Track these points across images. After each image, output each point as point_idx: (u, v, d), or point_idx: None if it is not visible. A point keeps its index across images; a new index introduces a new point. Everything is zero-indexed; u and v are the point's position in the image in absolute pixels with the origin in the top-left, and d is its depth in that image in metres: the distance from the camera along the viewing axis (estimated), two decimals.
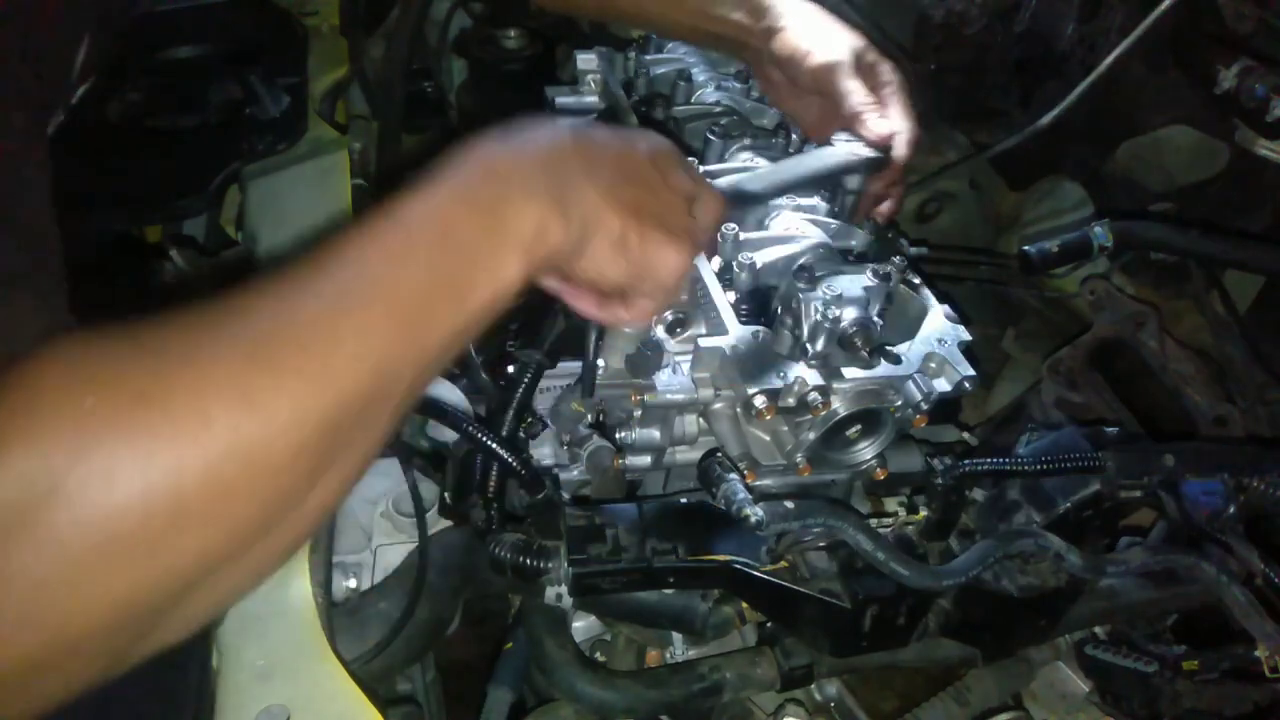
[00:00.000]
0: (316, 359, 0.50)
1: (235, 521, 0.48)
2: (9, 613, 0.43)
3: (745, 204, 0.92)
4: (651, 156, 0.72)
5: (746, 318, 0.90)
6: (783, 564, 0.85)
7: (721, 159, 1.08)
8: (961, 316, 0.92)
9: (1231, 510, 0.95)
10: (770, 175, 0.93)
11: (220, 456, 0.46)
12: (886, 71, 1.02)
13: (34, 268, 0.50)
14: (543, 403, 0.91)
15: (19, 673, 0.45)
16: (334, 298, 0.52)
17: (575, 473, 0.91)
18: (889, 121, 0.98)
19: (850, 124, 0.98)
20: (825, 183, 0.99)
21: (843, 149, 0.96)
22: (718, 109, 1.15)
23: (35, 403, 0.43)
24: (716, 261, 0.94)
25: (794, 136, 1.11)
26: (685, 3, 1.05)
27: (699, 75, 1.20)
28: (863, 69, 1.01)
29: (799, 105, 1.07)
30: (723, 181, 0.90)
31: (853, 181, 1.00)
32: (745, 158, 1.07)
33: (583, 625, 0.99)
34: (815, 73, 0.99)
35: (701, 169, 1.03)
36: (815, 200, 1.01)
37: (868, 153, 0.96)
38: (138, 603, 0.46)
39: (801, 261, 0.90)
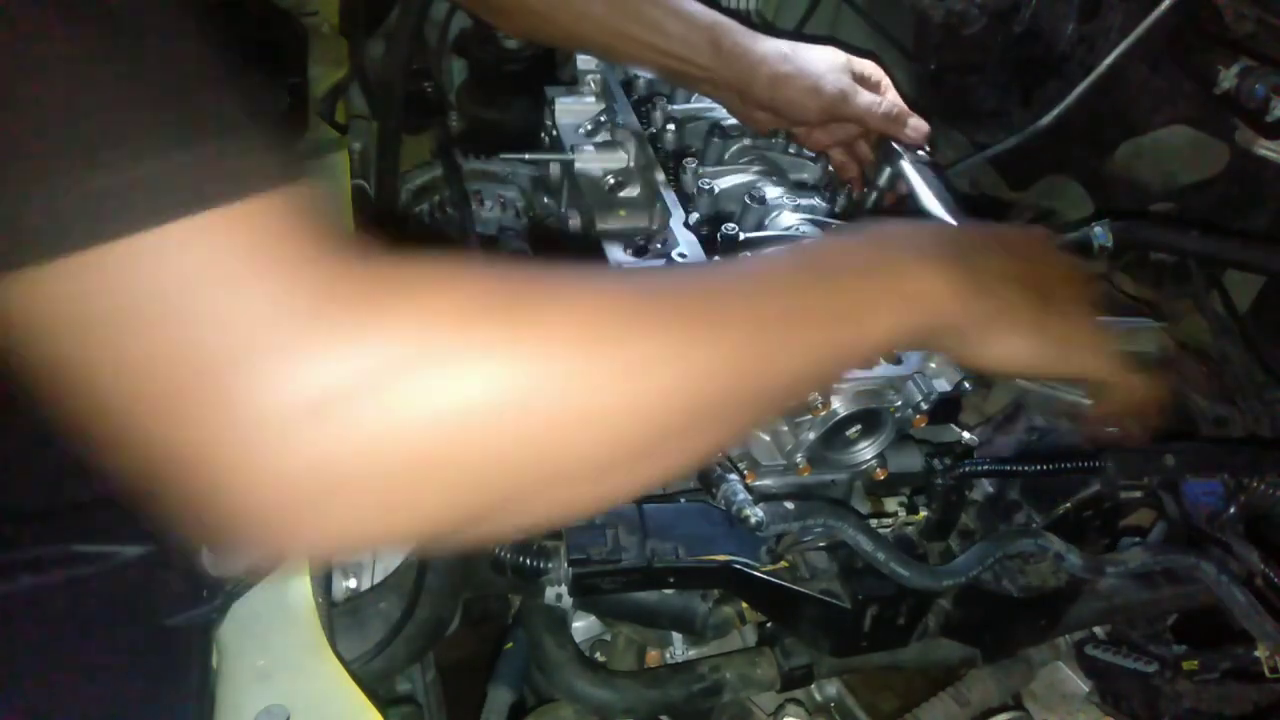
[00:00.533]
0: (697, 333, 0.49)
1: (561, 461, 0.47)
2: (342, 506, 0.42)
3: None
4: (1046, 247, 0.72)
5: None
6: (783, 564, 0.86)
7: (721, 160, 1.08)
8: None
9: (1231, 510, 0.95)
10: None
11: (570, 392, 0.45)
12: (873, 69, 1.04)
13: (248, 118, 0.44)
14: None
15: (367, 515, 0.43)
16: (717, 292, 0.53)
17: None
18: (914, 118, 1.02)
19: (888, 132, 1.02)
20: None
21: (920, 161, 1.00)
22: (718, 109, 1.15)
23: (404, 291, 0.42)
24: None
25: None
26: (659, 47, 1.01)
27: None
28: (860, 80, 1.02)
29: (802, 133, 1.09)
30: None
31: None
32: (746, 159, 1.07)
33: (583, 625, 0.99)
34: (827, 105, 1.00)
35: (704, 168, 1.03)
36: (815, 200, 1.01)
37: (928, 158, 1.02)
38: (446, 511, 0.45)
39: None
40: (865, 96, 1.00)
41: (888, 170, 1.05)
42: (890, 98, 1.02)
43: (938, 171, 1.00)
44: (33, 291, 0.37)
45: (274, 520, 0.41)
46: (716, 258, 0.58)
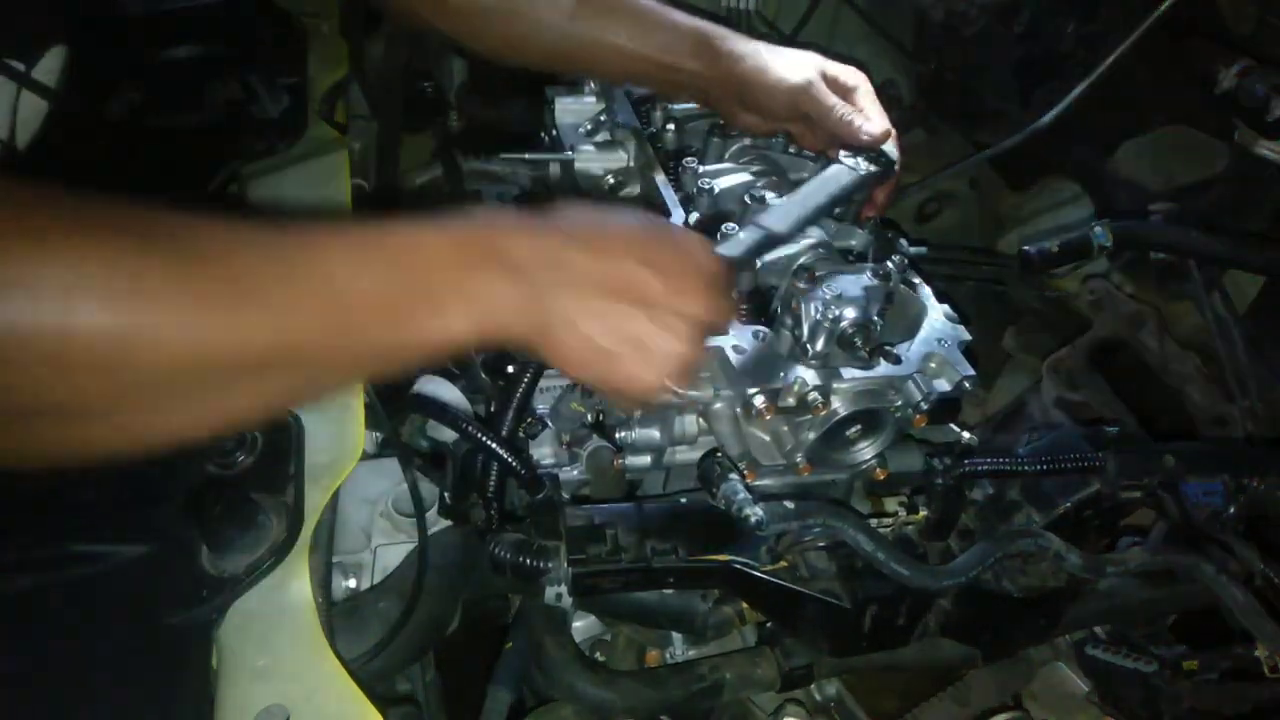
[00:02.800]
0: (234, 294, 0.53)
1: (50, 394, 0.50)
2: None
3: (770, 249, 0.88)
4: (674, 266, 0.69)
5: (746, 318, 0.90)
6: (783, 564, 0.85)
7: (721, 158, 1.08)
8: (961, 316, 0.92)
9: (1231, 510, 0.95)
10: (792, 211, 0.90)
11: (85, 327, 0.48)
12: (852, 76, 1.03)
13: None
14: (542, 403, 0.91)
15: None
16: (289, 261, 0.56)
17: (575, 473, 0.91)
18: (875, 124, 0.99)
19: (843, 138, 0.99)
20: (842, 203, 0.98)
21: (847, 165, 0.96)
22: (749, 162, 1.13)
23: None
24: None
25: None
26: (639, 54, 1.02)
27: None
28: (829, 82, 1.01)
29: (778, 131, 1.08)
30: (747, 232, 0.84)
31: (860, 193, 1.00)
32: (746, 159, 1.07)
33: (583, 625, 0.99)
34: (791, 100, 1.00)
35: (703, 168, 1.03)
36: None
37: (872, 166, 0.96)
38: None
39: (801, 261, 0.90)
40: (829, 98, 0.99)
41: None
42: (861, 103, 1.01)
43: (857, 185, 0.95)
44: None
45: None
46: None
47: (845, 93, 1.01)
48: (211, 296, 0.52)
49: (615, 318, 0.67)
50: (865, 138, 0.98)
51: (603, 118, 1.15)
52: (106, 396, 0.52)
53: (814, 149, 1.08)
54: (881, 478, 0.90)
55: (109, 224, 0.51)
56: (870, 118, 0.99)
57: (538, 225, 0.67)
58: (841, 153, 0.98)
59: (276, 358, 0.55)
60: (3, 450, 0.53)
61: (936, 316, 0.91)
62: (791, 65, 1.01)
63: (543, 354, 0.68)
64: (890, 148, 0.99)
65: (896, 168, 1.00)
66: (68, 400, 0.51)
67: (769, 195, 0.99)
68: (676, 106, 1.16)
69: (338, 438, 0.82)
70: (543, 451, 0.92)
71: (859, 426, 0.87)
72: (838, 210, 1.01)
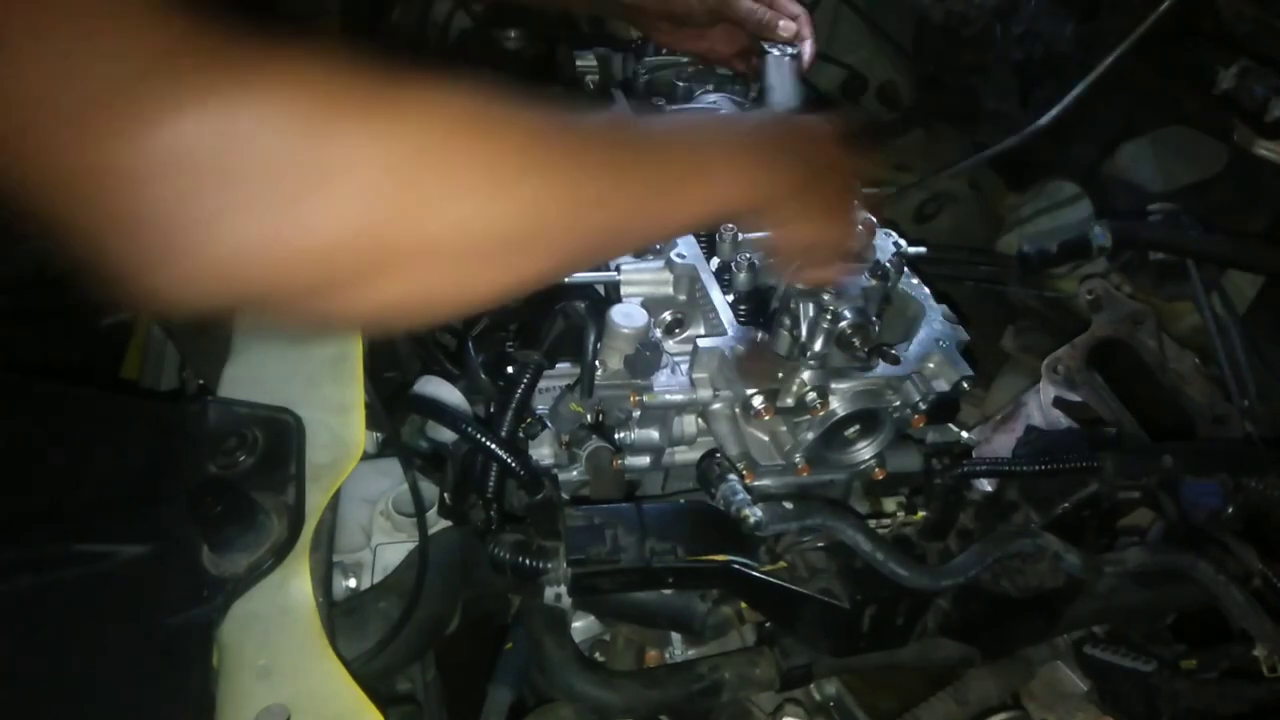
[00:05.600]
0: (542, 163, 0.55)
1: (408, 238, 0.50)
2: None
3: None
4: (827, 138, 0.81)
5: (745, 318, 0.90)
6: (781, 564, 0.86)
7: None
8: (960, 316, 0.92)
9: (1230, 510, 0.95)
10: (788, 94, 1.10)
11: (418, 180, 0.49)
12: None
13: None
14: (542, 403, 0.91)
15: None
16: (567, 134, 0.59)
17: (574, 473, 0.92)
18: (788, 21, 1.14)
19: (763, 35, 1.14)
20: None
21: (776, 55, 1.12)
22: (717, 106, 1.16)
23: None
24: (715, 261, 0.94)
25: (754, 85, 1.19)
26: None
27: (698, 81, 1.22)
28: None
29: (704, 45, 1.21)
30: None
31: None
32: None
33: (582, 625, 0.99)
34: (713, 8, 1.13)
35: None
36: None
37: (790, 51, 1.13)
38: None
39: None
40: (747, 3, 1.13)
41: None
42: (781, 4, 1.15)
43: (793, 68, 1.12)
44: None
45: (138, 251, 0.44)
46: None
47: None
48: (542, 164, 0.55)
49: (823, 193, 0.78)
50: (784, 34, 1.13)
51: None
52: (453, 244, 0.52)
53: (721, 60, 1.22)
54: (880, 478, 0.90)
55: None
56: (784, 10, 1.15)
57: (764, 126, 0.82)
58: (765, 46, 1.13)
59: (579, 223, 0.59)
60: (323, 316, 0.52)
61: (935, 317, 0.92)
62: None
63: (768, 221, 0.79)
64: (804, 25, 1.16)
65: (807, 47, 1.16)
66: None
67: None
68: (675, 106, 1.17)
69: (338, 438, 0.82)
70: (542, 452, 0.93)
71: (857, 427, 0.88)
72: (752, 96, 1.18)
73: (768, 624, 0.94)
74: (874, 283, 0.86)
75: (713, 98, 1.16)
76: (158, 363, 1.41)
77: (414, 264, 0.51)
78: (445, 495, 0.89)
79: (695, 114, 0.79)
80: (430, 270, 0.53)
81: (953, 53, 1.64)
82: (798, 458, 0.86)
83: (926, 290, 0.96)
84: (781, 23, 1.13)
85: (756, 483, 0.87)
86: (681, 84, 1.18)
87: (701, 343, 0.85)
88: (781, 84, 1.10)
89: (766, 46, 1.12)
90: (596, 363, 0.87)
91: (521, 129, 0.56)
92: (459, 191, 0.51)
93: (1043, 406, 1.30)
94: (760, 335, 0.85)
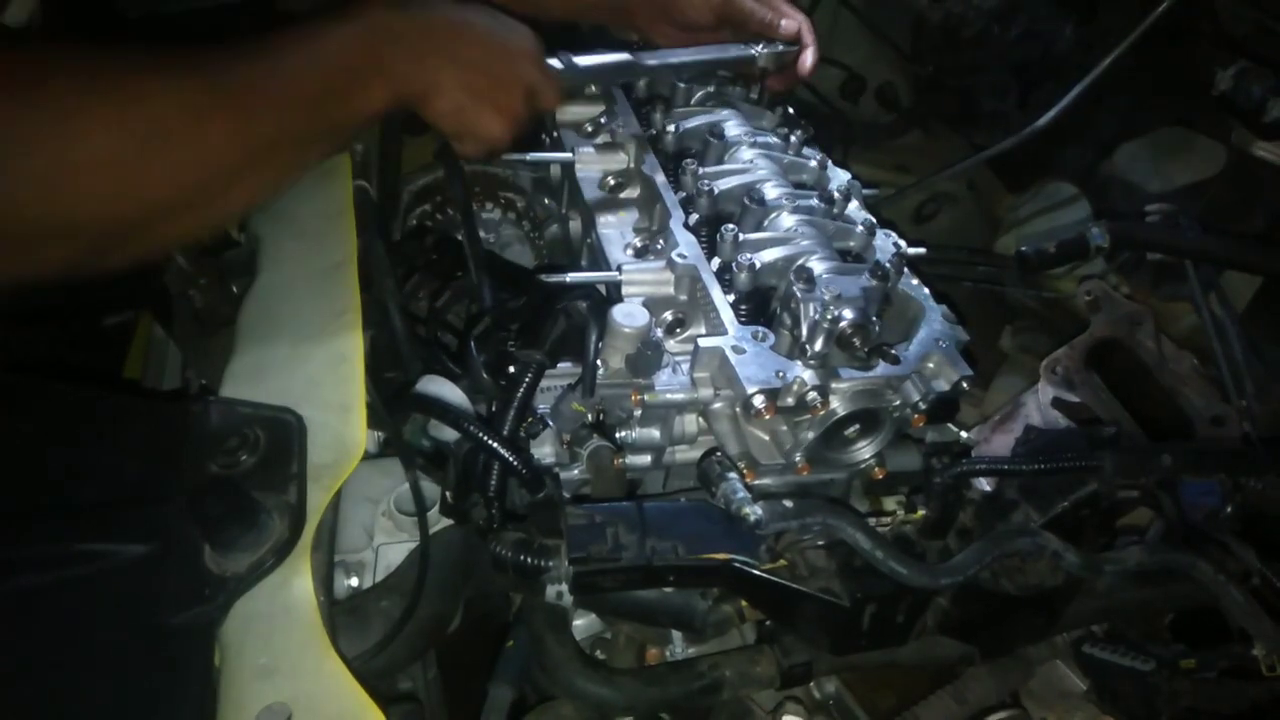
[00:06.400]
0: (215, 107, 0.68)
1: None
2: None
3: (587, 77, 1.08)
4: (508, 51, 0.93)
5: (746, 318, 0.90)
6: (782, 563, 0.86)
7: (721, 161, 1.08)
8: (959, 317, 0.93)
9: (1228, 510, 0.96)
10: (660, 55, 1.13)
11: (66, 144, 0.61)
12: None
13: None
14: (543, 402, 0.91)
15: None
16: (241, 72, 0.72)
17: (575, 472, 0.92)
18: (790, 20, 1.16)
19: (765, 34, 1.16)
20: (717, 68, 1.19)
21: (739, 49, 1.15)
22: (720, 112, 1.15)
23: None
24: (716, 262, 0.94)
25: (793, 138, 1.12)
26: None
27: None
28: None
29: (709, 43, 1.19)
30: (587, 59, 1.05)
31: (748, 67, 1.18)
32: (747, 158, 1.07)
33: (583, 623, 1.00)
34: (717, 11, 1.15)
35: (704, 170, 1.04)
36: (813, 200, 1.02)
37: (781, 47, 1.16)
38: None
39: (800, 263, 0.90)
40: (749, 4, 1.15)
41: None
42: (776, 4, 1.16)
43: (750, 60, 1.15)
44: None
45: None
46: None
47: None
48: (207, 112, 0.67)
49: (474, 83, 0.88)
50: (782, 33, 1.15)
51: (603, 119, 1.15)
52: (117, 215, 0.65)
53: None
54: (880, 477, 0.90)
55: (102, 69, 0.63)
56: (786, 13, 1.16)
57: (421, 14, 0.86)
58: (755, 45, 1.16)
59: (263, 152, 0.72)
60: (19, 270, 0.64)
61: (934, 317, 0.92)
62: None
63: (422, 110, 0.87)
64: (805, 32, 1.17)
65: (810, 54, 1.18)
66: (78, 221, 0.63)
67: (768, 196, 1.00)
68: (678, 109, 1.16)
69: (340, 437, 0.82)
70: (543, 451, 0.93)
71: (857, 426, 0.88)
72: (752, 97, 1.21)
73: (768, 622, 0.94)
74: (874, 283, 0.87)
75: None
76: (159, 363, 1.41)
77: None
78: (447, 494, 0.89)
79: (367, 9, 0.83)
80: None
81: (951, 54, 1.64)
82: (798, 457, 0.86)
83: (926, 290, 0.96)
84: (784, 22, 1.15)
85: (757, 481, 0.88)
86: (682, 85, 1.17)
87: (702, 342, 0.86)
88: (693, 52, 1.14)
89: (760, 44, 1.15)
90: (598, 362, 0.87)
91: (192, 89, 0.67)
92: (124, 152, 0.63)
93: (1041, 406, 1.31)
94: (761, 334, 0.86)
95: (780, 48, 1.16)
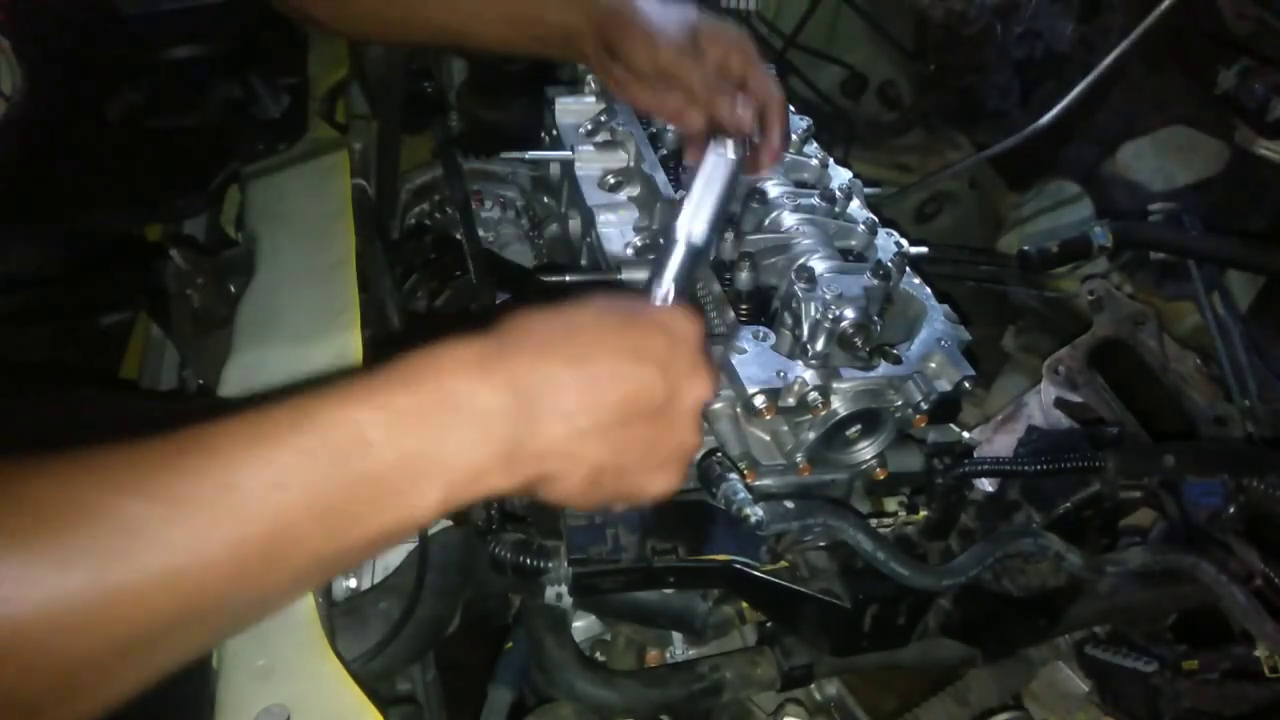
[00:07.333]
0: (130, 550, 0.45)
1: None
2: None
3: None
4: (668, 380, 0.58)
5: (746, 318, 0.90)
6: (783, 564, 0.86)
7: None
8: (961, 316, 0.92)
9: (1231, 510, 0.95)
10: (700, 219, 0.71)
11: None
12: (730, 35, 0.94)
13: None
14: None
15: None
16: (196, 498, 0.46)
17: None
18: (745, 100, 0.91)
19: (709, 112, 0.92)
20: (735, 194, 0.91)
21: (718, 154, 0.73)
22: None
23: None
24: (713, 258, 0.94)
25: (794, 136, 1.11)
26: (504, 8, 0.97)
27: (773, 191, 1.03)
28: (708, 40, 0.93)
29: (653, 99, 0.97)
30: (675, 262, 0.68)
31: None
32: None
33: (583, 625, 0.99)
34: (660, 66, 0.92)
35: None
36: (814, 200, 1.01)
37: (735, 155, 0.72)
38: None
39: (801, 262, 0.90)
40: (696, 71, 0.91)
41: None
42: (735, 70, 0.93)
43: (734, 178, 0.72)
44: None
45: None
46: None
47: (723, 54, 0.93)
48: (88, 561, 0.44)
49: (618, 435, 0.57)
50: (732, 122, 0.89)
51: (603, 118, 1.15)
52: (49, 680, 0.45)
53: (642, 108, 1.04)
54: (881, 477, 0.90)
55: None
56: (750, 85, 0.93)
57: (495, 347, 0.54)
58: (711, 147, 0.74)
59: (200, 605, 0.47)
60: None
61: (936, 317, 0.91)
62: (664, 23, 0.92)
63: (545, 496, 0.58)
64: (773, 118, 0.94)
65: (768, 150, 0.96)
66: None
67: (770, 195, 0.99)
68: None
69: None
70: None
71: (859, 426, 0.87)
72: None
73: (769, 624, 0.94)
74: (875, 282, 0.86)
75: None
76: (157, 362, 1.40)
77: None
78: None
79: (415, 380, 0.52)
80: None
81: (953, 52, 1.64)
82: (799, 457, 0.86)
83: (928, 290, 0.96)
84: (725, 109, 0.90)
85: (758, 482, 0.87)
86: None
87: None
88: (709, 195, 0.69)
89: (715, 145, 0.74)
90: None
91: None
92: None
93: (1044, 407, 1.30)
94: (762, 334, 0.85)
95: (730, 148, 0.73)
